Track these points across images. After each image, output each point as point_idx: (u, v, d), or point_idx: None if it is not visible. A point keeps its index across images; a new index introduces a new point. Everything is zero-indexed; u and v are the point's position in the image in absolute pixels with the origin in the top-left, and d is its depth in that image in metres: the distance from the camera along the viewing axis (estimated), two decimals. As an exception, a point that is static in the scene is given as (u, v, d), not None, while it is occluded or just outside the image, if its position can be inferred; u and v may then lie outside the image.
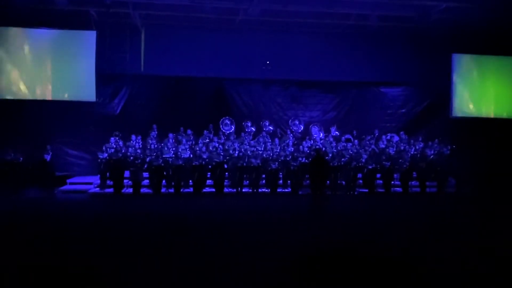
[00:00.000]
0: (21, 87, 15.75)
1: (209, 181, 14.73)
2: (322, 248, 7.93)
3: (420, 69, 17.80)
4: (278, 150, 15.11)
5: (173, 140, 15.27)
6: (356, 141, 16.10)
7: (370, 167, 14.93)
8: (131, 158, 14.27)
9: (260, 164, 14.68)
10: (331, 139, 16.30)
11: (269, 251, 7.68)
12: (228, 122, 16.87)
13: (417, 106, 18.60)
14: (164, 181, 14.48)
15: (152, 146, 14.74)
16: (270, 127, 17.04)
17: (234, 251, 7.77)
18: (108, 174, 14.53)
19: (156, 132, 15.64)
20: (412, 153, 15.56)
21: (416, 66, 17.78)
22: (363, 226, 9.95)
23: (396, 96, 18.60)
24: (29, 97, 15.78)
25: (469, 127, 17.37)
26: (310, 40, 17.79)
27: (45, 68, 15.83)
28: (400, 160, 15.09)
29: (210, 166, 14.47)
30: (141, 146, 14.93)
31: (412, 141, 16.42)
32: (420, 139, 16.59)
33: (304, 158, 14.69)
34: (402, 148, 15.78)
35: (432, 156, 15.46)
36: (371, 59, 17.81)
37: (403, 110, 18.56)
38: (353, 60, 17.72)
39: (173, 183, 14.43)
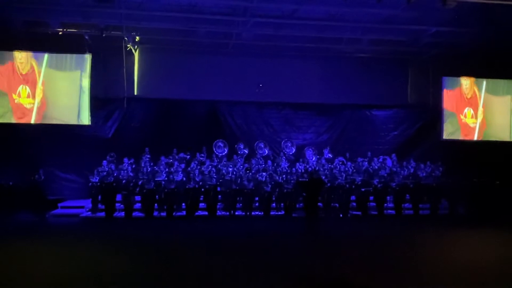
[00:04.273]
0: (14, 110, 15.73)
1: (202, 204, 14.65)
2: (317, 274, 7.87)
3: (411, 92, 17.97)
4: (271, 172, 15.11)
5: (165, 164, 15.19)
6: (349, 163, 16.11)
7: (363, 189, 14.94)
8: (123, 181, 14.17)
9: (253, 187, 14.65)
10: (324, 162, 16.32)
11: (262, 274, 7.63)
12: (221, 145, 16.85)
13: (408, 128, 18.74)
14: (156, 204, 14.37)
15: (145, 169, 14.66)
16: (265, 150, 17.07)
17: (227, 274, 7.71)
18: (99, 197, 14.42)
19: (149, 156, 15.55)
20: (404, 175, 15.60)
21: (408, 89, 17.95)
22: (356, 250, 9.89)
23: (388, 119, 18.74)
24: (22, 120, 15.74)
25: (459, 149, 17.39)
26: (302, 63, 17.97)
27: (39, 91, 15.83)
28: (393, 184, 15.12)
29: (203, 189, 14.41)
30: (133, 169, 14.86)
31: (404, 163, 16.47)
32: (412, 161, 16.65)
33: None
34: (394, 170, 15.83)
35: (424, 178, 15.51)
36: (363, 82, 17.95)
37: (395, 133, 18.67)
38: (346, 83, 17.88)
39: (165, 207, 14.32)
